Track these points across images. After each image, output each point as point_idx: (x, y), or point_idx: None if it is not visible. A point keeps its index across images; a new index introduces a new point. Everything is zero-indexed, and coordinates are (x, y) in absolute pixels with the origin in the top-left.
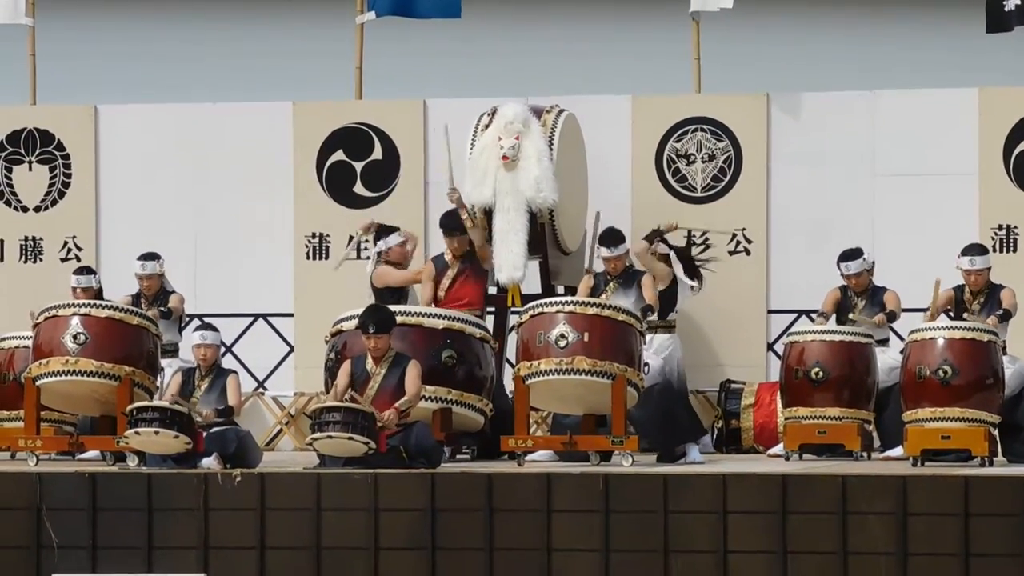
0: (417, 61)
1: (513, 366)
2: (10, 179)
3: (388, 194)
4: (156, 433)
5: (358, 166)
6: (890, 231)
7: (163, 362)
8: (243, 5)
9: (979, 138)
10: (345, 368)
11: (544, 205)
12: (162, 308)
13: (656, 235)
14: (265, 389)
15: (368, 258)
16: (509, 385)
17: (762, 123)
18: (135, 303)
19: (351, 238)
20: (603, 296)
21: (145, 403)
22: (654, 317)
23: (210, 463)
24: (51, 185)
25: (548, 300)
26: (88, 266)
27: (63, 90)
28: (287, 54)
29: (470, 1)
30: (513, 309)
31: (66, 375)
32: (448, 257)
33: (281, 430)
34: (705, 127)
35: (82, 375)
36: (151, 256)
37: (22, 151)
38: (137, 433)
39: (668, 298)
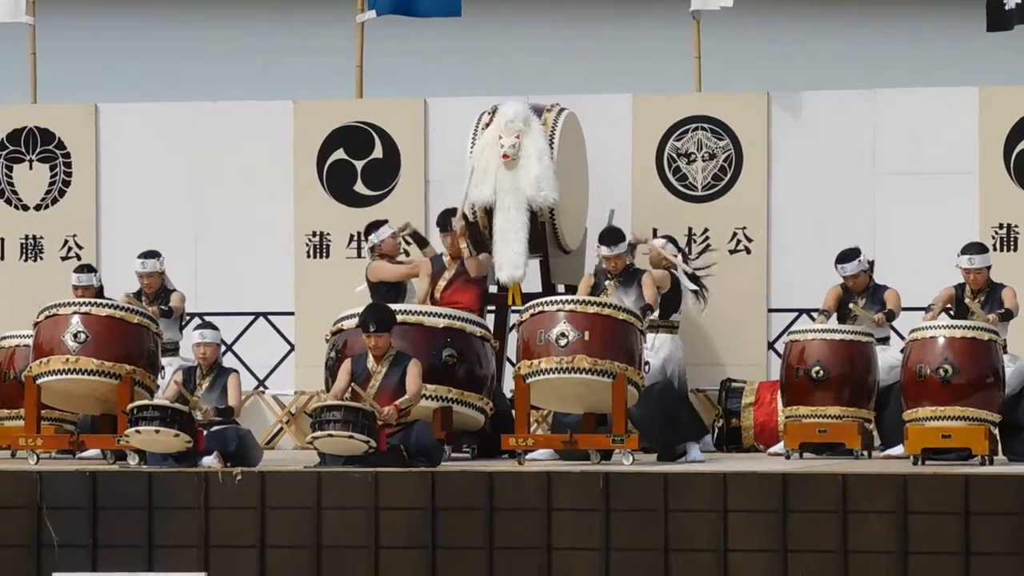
0: (418, 60)
1: (514, 365)
2: (11, 178)
3: (388, 193)
4: (157, 432)
5: (359, 165)
6: (890, 230)
7: (164, 361)
8: (243, 4)
9: (979, 137)
10: (346, 367)
11: (545, 204)
12: (163, 306)
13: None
14: (265, 388)
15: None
16: (509, 384)
17: (762, 122)
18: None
19: (351, 237)
20: (604, 294)
21: (145, 401)
22: (654, 316)
23: (210, 462)
24: (51, 184)
25: (548, 299)
26: (89, 264)
27: (64, 89)
28: (288, 53)
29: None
30: (513, 308)
31: (67, 374)
32: (446, 259)
33: (281, 429)
34: (705, 126)
35: (82, 374)
36: (151, 254)
37: (23, 150)
38: (138, 432)
39: (671, 299)
